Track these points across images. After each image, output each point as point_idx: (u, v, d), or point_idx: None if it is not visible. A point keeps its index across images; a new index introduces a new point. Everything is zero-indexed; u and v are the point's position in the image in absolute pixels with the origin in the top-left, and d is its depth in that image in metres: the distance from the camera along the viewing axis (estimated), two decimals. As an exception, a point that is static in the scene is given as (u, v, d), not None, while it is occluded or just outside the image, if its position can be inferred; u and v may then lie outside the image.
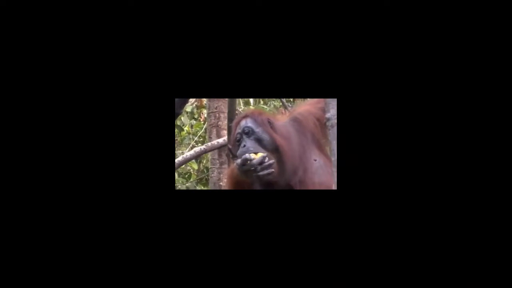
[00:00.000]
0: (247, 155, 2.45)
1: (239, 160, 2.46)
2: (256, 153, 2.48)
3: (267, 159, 2.44)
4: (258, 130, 2.54)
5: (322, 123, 2.63)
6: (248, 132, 2.53)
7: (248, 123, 2.57)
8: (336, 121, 2.14)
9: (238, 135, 2.56)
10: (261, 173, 2.43)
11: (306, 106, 2.74)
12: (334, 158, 2.17)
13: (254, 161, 2.43)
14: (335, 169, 2.17)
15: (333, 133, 2.16)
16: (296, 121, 2.65)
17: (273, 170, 2.44)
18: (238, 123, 2.62)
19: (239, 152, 2.50)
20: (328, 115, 2.24)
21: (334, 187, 2.18)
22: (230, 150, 2.62)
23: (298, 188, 2.51)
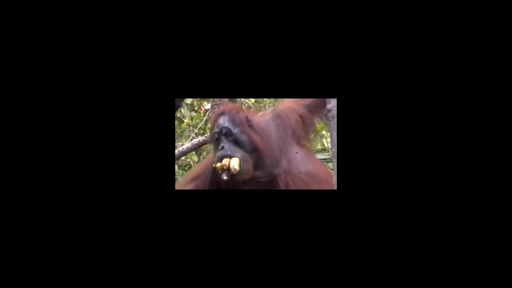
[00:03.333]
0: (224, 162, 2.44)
1: (218, 164, 2.45)
2: (231, 157, 2.46)
3: (235, 166, 2.43)
4: (236, 131, 2.51)
5: (304, 120, 2.63)
6: (226, 133, 2.50)
7: (225, 122, 2.53)
8: (336, 112, 2.15)
9: (216, 135, 2.53)
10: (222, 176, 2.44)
11: (289, 103, 2.72)
12: (334, 149, 2.17)
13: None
14: (335, 167, 2.18)
15: (333, 124, 2.16)
16: (278, 117, 2.64)
17: (226, 178, 2.42)
18: (216, 120, 2.57)
19: (218, 154, 2.47)
20: (329, 106, 2.25)
21: (324, 176, 2.18)
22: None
23: (283, 178, 2.51)
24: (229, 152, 2.46)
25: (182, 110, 5.55)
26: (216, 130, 2.53)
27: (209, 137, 2.68)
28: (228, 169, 2.42)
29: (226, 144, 2.48)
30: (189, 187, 2.56)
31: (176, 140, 5.87)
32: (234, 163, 2.43)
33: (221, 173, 2.43)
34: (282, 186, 2.49)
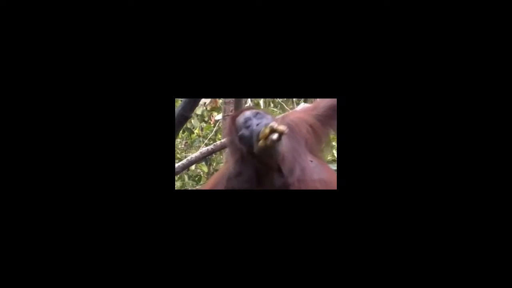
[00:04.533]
0: (273, 124, 2.36)
1: (266, 129, 2.34)
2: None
3: (283, 128, 2.36)
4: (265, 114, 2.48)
5: (315, 130, 2.60)
6: (257, 114, 2.46)
7: (252, 112, 2.50)
8: None
9: (244, 121, 2.45)
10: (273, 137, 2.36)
11: (298, 114, 2.68)
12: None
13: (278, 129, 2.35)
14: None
15: None
16: (289, 127, 2.61)
17: (275, 138, 2.34)
18: (236, 117, 2.51)
19: (262, 124, 2.37)
20: None
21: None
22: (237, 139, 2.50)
23: (297, 186, 2.47)
24: (272, 120, 2.40)
25: (192, 120, 5.58)
26: (241, 121, 2.46)
27: (228, 139, 2.60)
28: (276, 131, 2.33)
29: (264, 119, 2.42)
30: None
31: (186, 151, 5.90)
32: (282, 126, 2.37)
33: (270, 134, 2.34)
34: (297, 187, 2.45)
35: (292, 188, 2.45)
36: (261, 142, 2.36)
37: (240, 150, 2.48)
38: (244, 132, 2.44)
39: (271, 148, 2.37)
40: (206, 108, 5.71)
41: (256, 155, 2.43)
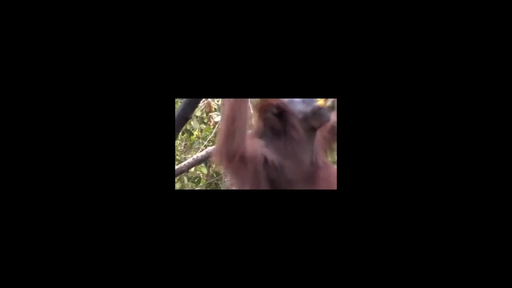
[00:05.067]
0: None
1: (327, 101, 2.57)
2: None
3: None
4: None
5: (322, 139, 2.73)
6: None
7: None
8: None
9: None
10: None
11: None
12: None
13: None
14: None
15: None
16: None
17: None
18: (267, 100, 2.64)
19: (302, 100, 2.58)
20: None
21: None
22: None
23: (325, 170, 2.62)
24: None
25: (191, 122, 5.58)
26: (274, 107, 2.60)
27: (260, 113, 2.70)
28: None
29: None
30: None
31: (186, 153, 5.91)
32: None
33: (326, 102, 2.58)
34: (322, 175, 2.60)
35: (320, 171, 2.61)
36: (320, 101, 2.58)
37: (276, 119, 2.62)
38: (293, 99, 2.62)
39: (326, 110, 2.59)
40: (205, 110, 5.72)
41: (305, 119, 2.61)
